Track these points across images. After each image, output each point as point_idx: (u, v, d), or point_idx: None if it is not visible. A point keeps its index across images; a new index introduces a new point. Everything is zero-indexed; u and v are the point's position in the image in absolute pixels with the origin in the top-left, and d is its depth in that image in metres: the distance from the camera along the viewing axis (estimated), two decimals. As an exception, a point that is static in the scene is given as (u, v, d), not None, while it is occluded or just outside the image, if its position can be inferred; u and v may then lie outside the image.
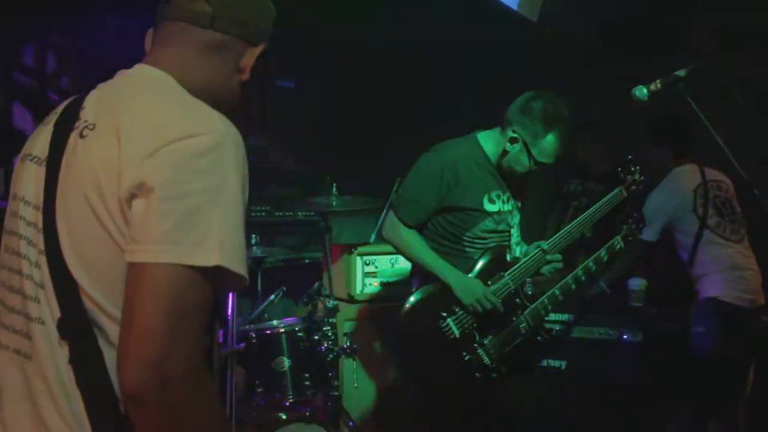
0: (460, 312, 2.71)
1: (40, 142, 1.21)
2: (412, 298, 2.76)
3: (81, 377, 1.08)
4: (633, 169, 2.95)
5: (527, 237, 3.03)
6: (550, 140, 2.67)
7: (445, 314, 2.70)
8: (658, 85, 2.31)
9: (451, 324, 2.69)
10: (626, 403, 3.39)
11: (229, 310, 2.62)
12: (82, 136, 1.13)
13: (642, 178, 2.96)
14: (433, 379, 2.77)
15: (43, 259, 1.12)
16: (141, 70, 1.24)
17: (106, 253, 1.07)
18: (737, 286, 3.41)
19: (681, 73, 2.28)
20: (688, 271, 3.51)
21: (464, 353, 2.69)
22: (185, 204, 1.02)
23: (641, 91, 2.33)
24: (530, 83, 2.84)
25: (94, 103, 1.19)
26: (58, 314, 1.10)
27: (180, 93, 1.18)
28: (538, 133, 2.66)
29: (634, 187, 2.94)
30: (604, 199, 2.89)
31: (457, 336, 2.69)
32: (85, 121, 1.15)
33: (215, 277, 1.04)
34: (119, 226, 1.06)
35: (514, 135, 2.69)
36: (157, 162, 1.03)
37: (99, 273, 1.08)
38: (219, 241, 1.03)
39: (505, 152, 2.75)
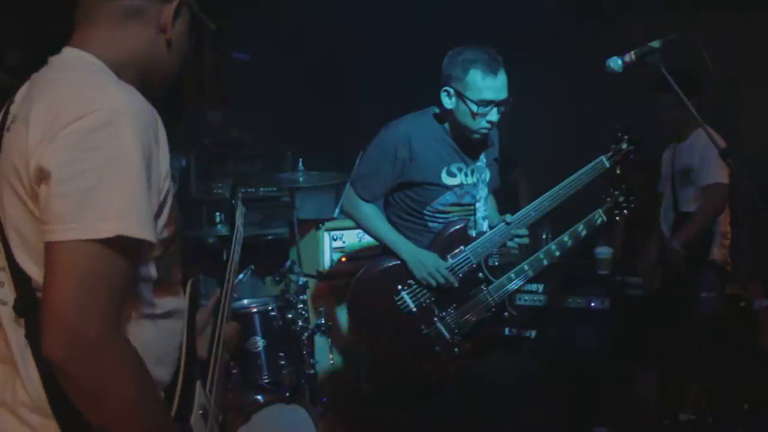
0: (415, 285, 2.69)
1: None
2: (363, 272, 2.76)
3: (35, 351, 1.15)
4: (621, 138, 2.79)
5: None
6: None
7: (400, 287, 2.69)
8: (633, 57, 2.29)
9: (406, 297, 2.68)
10: (596, 369, 3.46)
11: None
12: (8, 129, 1.21)
13: (631, 147, 2.77)
14: (390, 351, 2.75)
15: (0, 246, 1.22)
16: (64, 53, 1.28)
17: (38, 235, 1.13)
18: (726, 252, 3.54)
19: (655, 44, 2.27)
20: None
21: (423, 327, 2.69)
22: (82, 183, 1.08)
23: (616, 63, 2.32)
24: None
25: (21, 96, 1.25)
26: (15, 295, 1.19)
27: (87, 72, 1.21)
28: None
29: (620, 158, 2.78)
30: (581, 171, 2.74)
31: (413, 309, 2.68)
32: (12, 114, 1.23)
33: (124, 246, 1.10)
34: (38, 210, 1.14)
35: (447, 89, 2.65)
36: (55, 146, 1.09)
37: (37, 254, 1.14)
38: (118, 211, 1.09)
39: (450, 114, 2.69)
